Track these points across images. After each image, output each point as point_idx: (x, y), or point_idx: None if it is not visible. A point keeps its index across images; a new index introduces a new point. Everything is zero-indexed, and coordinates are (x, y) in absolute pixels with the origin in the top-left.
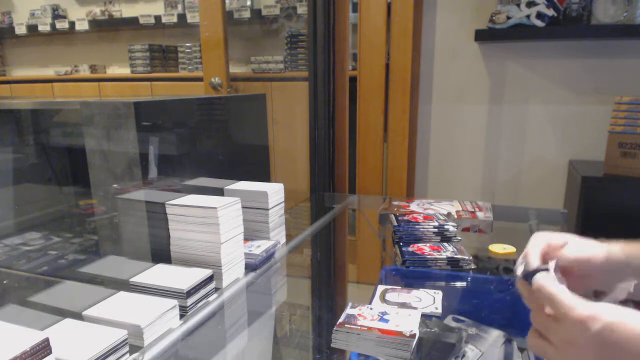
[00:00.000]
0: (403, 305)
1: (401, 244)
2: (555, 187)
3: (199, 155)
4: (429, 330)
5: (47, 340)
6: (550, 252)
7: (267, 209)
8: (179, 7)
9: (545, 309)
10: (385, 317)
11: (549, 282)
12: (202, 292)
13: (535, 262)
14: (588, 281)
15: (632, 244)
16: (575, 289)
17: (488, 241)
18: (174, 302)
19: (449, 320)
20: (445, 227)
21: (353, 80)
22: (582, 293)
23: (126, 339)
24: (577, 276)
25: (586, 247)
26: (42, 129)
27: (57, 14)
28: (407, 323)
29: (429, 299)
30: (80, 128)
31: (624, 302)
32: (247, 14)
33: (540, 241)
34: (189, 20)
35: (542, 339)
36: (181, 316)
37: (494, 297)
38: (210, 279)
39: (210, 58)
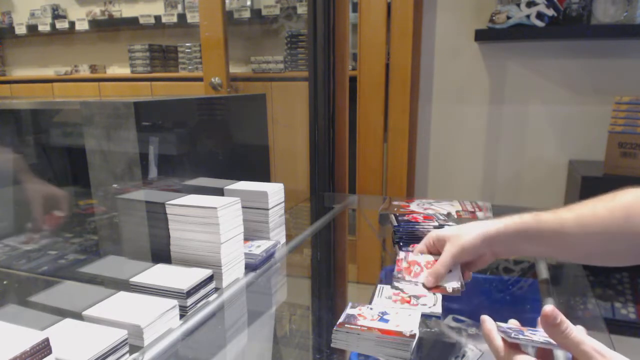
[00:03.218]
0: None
1: (401, 244)
2: (555, 187)
3: (199, 155)
4: (429, 330)
5: (47, 340)
6: (438, 246)
7: (267, 209)
8: (179, 7)
9: None
10: (385, 317)
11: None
12: (202, 292)
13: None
14: (480, 261)
15: (511, 217)
16: (473, 267)
17: None
18: (174, 302)
19: (449, 320)
20: (446, 227)
21: (353, 80)
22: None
23: (126, 339)
24: (471, 261)
25: (463, 239)
26: (42, 129)
27: (57, 14)
28: (407, 323)
29: (429, 299)
30: (80, 128)
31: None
32: (247, 14)
33: (427, 238)
34: (189, 20)
35: None
36: (181, 316)
37: (494, 297)
38: (210, 279)
39: (210, 58)
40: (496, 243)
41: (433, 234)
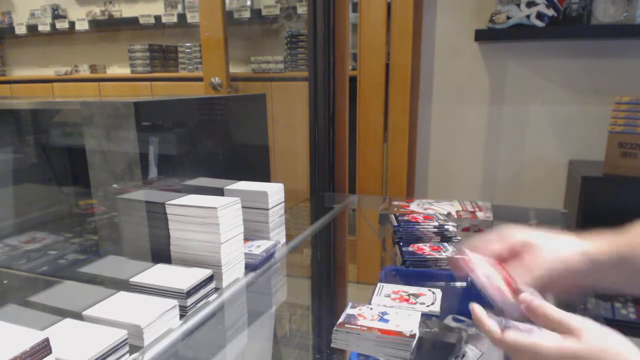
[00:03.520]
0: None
1: (401, 244)
2: (555, 187)
3: (199, 155)
4: (429, 330)
5: (47, 340)
6: (520, 251)
7: (267, 209)
8: (179, 7)
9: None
10: (385, 317)
11: (505, 335)
12: (202, 292)
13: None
14: (571, 282)
15: (609, 239)
16: (560, 293)
17: None
18: (174, 302)
19: (449, 320)
20: (445, 227)
21: (353, 80)
22: (566, 294)
23: (126, 339)
24: (559, 282)
25: (560, 250)
26: (42, 129)
27: (57, 14)
28: (407, 323)
29: (428, 298)
30: (80, 128)
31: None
32: (247, 14)
33: (503, 238)
34: (189, 20)
35: None
36: (181, 316)
37: None
38: (210, 279)
39: (210, 58)
40: (598, 272)
41: (518, 236)
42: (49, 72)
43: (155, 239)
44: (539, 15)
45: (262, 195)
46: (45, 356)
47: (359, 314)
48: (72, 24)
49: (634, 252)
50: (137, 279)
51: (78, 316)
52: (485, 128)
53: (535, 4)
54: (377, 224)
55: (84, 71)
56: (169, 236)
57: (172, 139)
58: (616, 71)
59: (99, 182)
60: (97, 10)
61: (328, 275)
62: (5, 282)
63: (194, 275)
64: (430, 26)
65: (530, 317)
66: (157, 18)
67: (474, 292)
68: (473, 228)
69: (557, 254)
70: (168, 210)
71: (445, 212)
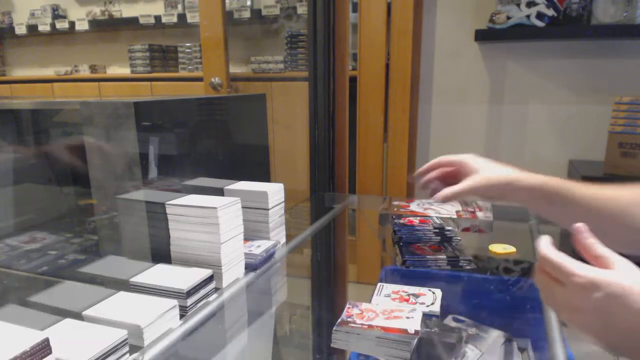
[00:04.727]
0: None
1: (401, 244)
2: None
3: (199, 155)
4: (429, 330)
5: (47, 340)
6: (462, 172)
7: (267, 209)
8: (179, 7)
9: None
10: (386, 316)
11: (550, 250)
12: (202, 292)
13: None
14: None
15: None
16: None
17: (488, 241)
18: (174, 302)
19: (449, 320)
20: (445, 227)
21: (353, 80)
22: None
23: (126, 339)
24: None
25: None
26: (42, 129)
27: (57, 14)
28: (409, 322)
29: (428, 298)
30: (80, 128)
31: None
32: (247, 14)
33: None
34: (189, 20)
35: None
36: (181, 316)
37: (494, 297)
38: (210, 279)
39: (210, 58)
40: (522, 193)
41: (466, 160)
42: (49, 72)
43: (155, 239)
44: (539, 15)
45: (262, 195)
46: (45, 356)
47: (359, 314)
48: (72, 24)
49: (556, 189)
50: (137, 279)
51: (78, 316)
52: (485, 128)
53: (535, 4)
54: (377, 224)
55: (84, 71)
56: (169, 236)
57: (172, 139)
58: (616, 71)
59: (99, 182)
60: (97, 10)
61: (328, 275)
62: (5, 282)
63: (194, 275)
64: (430, 26)
65: (576, 245)
66: (157, 18)
67: (474, 293)
68: (473, 228)
69: (485, 175)
70: (168, 210)
71: (446, 212)
